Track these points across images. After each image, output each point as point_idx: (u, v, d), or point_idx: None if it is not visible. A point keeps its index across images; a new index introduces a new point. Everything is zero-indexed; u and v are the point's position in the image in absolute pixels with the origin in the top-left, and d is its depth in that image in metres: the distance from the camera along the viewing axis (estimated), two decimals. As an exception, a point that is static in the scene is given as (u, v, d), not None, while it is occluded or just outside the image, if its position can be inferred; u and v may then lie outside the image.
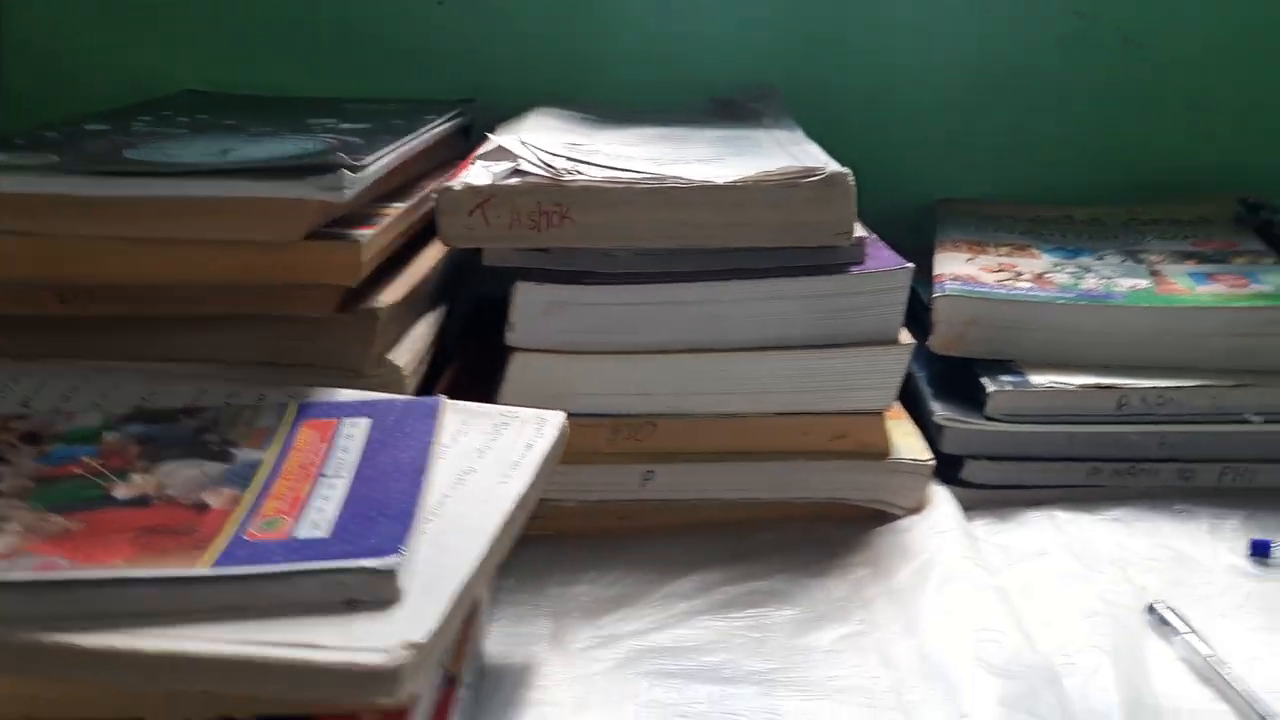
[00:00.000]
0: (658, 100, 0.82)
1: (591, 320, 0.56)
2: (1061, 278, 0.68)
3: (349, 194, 0.51)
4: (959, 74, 0.84)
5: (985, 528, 0.59)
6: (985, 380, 0.63)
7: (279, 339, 0.54)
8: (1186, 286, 0.67)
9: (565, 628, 0.51)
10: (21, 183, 0.50)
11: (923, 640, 0.48)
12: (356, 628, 0.35)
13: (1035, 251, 0.73)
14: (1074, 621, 0.50)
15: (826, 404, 0.58)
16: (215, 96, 0.78)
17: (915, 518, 0.59)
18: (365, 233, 0.53)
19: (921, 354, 0.66)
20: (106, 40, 0.81)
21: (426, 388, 0.60)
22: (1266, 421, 0.62)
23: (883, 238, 0.62)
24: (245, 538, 0.39)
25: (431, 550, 0.39)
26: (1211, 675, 0.47)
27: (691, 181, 0.55)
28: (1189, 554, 0.57)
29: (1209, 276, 0.68)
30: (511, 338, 0.57)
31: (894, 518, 0.60)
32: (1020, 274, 0.69)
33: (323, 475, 0.43)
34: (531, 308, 0.56)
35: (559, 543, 0.57)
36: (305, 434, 0.46)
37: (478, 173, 0.57)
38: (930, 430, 0.63)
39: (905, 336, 0.58)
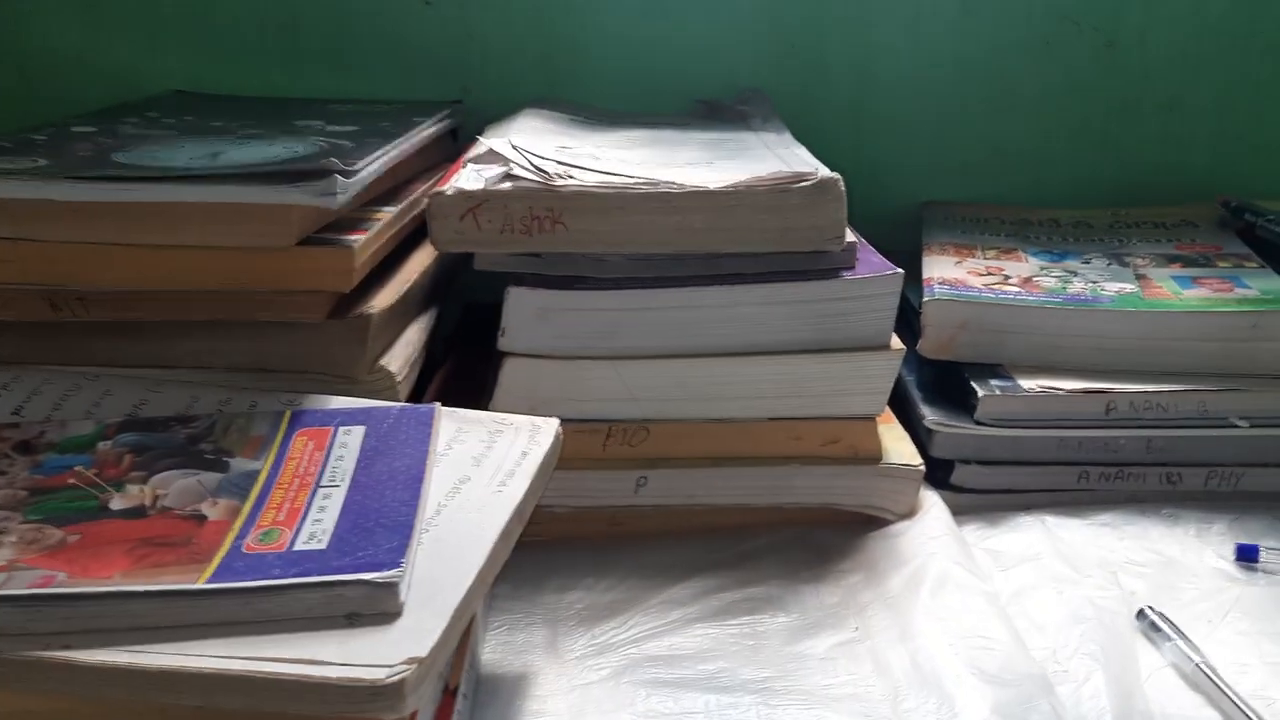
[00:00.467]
0: (644, 103, 0.82)
1: (583, 325, 0.56)
2: (1049, 281, 0.69)
3: (342, 199, 0.50)
4: (943, 77, 0.84)
5: (976, 533, 0.60)
6: (975, 384, 0.63)
7: (271, 345, 0.53)
8: (1172, 291, 0.67)
9: (561, 636, 0.51)
10: (9, 188, 0.49)
11: (916, 648, 0.48)
12: (357, 642, 0.35)
13: (1022, 255, 0.74)
14: (1065, 627, 0.50)
15: (818, 409, 0.59)
16: (200, 97, 0.78)
17: (907, 523, 0.59)
18: (357, 238, 0.53)
19: (911, 358, 0.66)
20: (89, 39, 0.81)
21: (417, 393, 0.60)
22: (1252, 426, 0.62)
23: (871, 241, 0.62)
24: (243, 550, 0.38)
25: (430, 561, 0.39)
26: (1201, 681, 0.47)
27: (684, 186, 0.55)
28: (1177, 558, 0.57)
29: (1194, 280, 0.68)
30: (504, 343, 0.56)
31: (886, 523, 0.60)
32: (1008, 277, 0.69)
33: (319, 485, 0.43)
34: (523, 313, 0.56)
35: (553, 549, 0.57)
36: (300, 442, 0.46)
37: (469, 177, 0.56)
38: (920, 435, 0.63)
39: (896, 342, 0.58)
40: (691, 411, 0.58)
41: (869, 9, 0.83)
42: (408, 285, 0.59)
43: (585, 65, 0.83)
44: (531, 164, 0.57)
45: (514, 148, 0.59)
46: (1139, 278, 0.69)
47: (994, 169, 0.87)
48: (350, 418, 0.48)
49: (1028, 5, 0.83)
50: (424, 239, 0.58)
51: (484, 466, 0.46)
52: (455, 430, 0.49)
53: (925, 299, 0.65)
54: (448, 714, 0.41)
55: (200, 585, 0.36)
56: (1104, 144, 0.86)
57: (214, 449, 0.45)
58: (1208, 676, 0.47)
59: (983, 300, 0.65)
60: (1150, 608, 0.52)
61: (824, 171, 0.56)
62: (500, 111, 0.74)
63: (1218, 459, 0.63)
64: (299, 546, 0.39)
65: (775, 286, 0.57)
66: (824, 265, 0.57)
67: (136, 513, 0.41)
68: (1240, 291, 0.66)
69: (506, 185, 0.55)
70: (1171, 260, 0.73)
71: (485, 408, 0.55)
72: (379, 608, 0.36)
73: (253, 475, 0.44)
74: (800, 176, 0.56)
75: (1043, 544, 0.58)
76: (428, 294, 0.64)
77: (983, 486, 0.63)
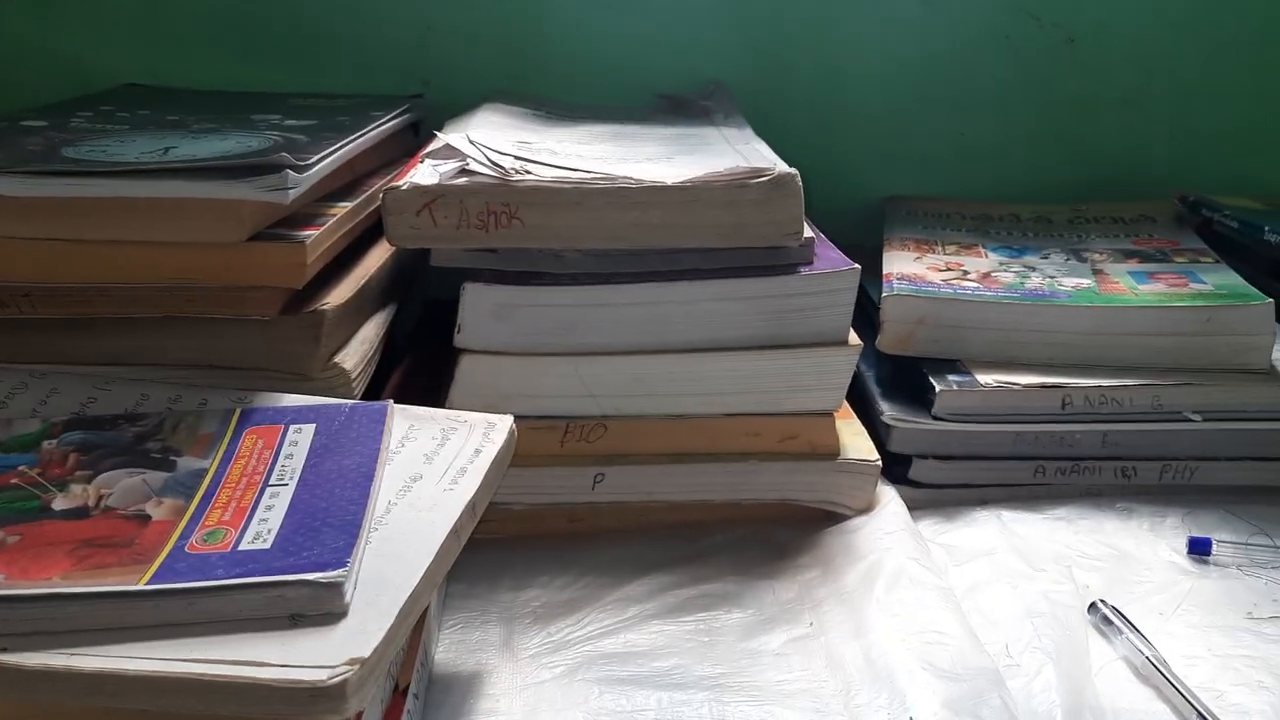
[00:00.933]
0: (607, 96, 0.82)
1: (541, 321, 0.56)
2: (1007, 277, 0.69)
3: (293, 194, 0.50)
4: (906, 72, 0.85)
5: (932, 527, 0.60)
6: (933, 380, 0.63)
7: (223, 342, 0.53)
8: (1128, 286, 0.67)
9: (516, 633, 0.50)
10: (-45, 183, 0.49)
11: (870, 643, 0.48)
12: (300, 643, 0.34)
13: (982, 250, 0.74)
14: (1018, 621, 0.51)
15: (776, 405, 0.59)
16: (157, 91, 0.77)
17: (864, 518, 0.59)
18: (310, 233, 0.52)
19: (870, 353, 0.66)
20: (43, 30, 0.79)
21: (374, 390, 0.59)
22: (1206, 420, 0.63)
23: (832, 236, 0.62)
24: (186, 550, 0.38)
25: (377, 561, 0.39)
26: (1152, 675, 0.48)
27: (641, 182, 0.55)
28: (1130, 552, 0.58)
29: (1150, 275, 0.69)
30: (460, 339, 0.56)
31: (843, 518, 0.60)
32: (967, 273, 0.69)
33: (267, 484, 0.43)
34: (480, 309, 0.56)
35: (510, 547, 0.57)
36: (249, 440, 0.46)
37: (425, 172, 0.56)
38: (879, 430, 0.64)
39: (853, 337, 0.58)
40: (649, 408, 0.58)
41: (833, 4, 0.83)
42: (363, 281, 0.58)
43: (549, 58, 0.83)
44: (488, 159, 0.57)
45: (471, 142, 0.59)
46: (1096, 273, 0.70)
47: (956, 164, 0.88)
48: (301, 415, 0.48)
49: (989, 0, 0.83)
50: (382, 234, 0.57)
51: (436, 464, 0.46)
52: (408, 428, 0.48)
53: (884, 295, 0.65)
54: (397, 714, 0.41)
55: (140, 587, 0.35)
56: (1065, 139, 0.87)
57: (161, 447, 0.45)
58: (1158, 670, 0.48)
59: (941, 296, 0.65)
60: (1102, 601, 0.52)
61: (781, 167, 0.56)
62: (463, 105, 0.73)
63: (1172, 453, 0.64)
64: (244, 546, 0.38)
65: (733, 282, 0.57)
66: (782, 261, 0.57)
67: (79, 513, 0.40)
68: (1195, 286, 0.67)
69: (462, 180, 0.55)
70: (1129, 255, 0.73)
71: (443, 404, 0.55)
72: (323, 608, 0.36)
73: (200, 474, 0.43)
74: (758, 172, 0.56)
75: (998, 538, 0.58)
76: (385, 290, 0.64)
77: (940, 481, 0.63)
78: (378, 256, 0.62)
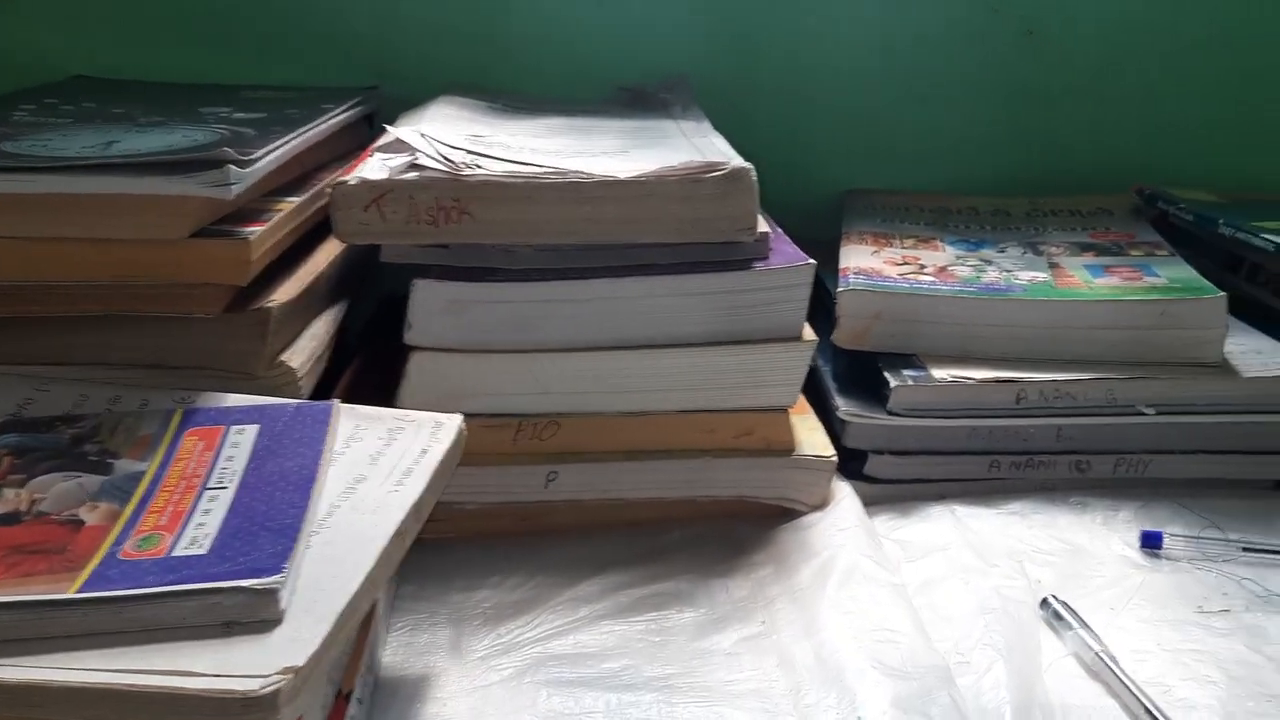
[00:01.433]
0: (568, 89, 0.81)
1: (493, 318, 0.56)
2: (964, 270, 0.69)
3: (236, 190, 0.49)
4: (870, 65, 0.84)
5: (887, 523, 0.60)
6: (888, 375, 0.63)
7: (167, 340, 0.52)
8: (1084, 279, 0.68)
9: (465, 635, 0.50)
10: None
11: (821, 641, 0.48)
12: (233, 652, 0.34)
13: (939, 244, 0.74)
14: (970, 618, 0.51)
15: (731, 401, 0.58)
16: (104, 83, 0.75)
17: (819, 514, 0.59)
18: (255, 229, 0.51)
19: (828, 348, 0.66)
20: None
21: (325, 389, 0.59)
22: (1159, 413, 0.63)
23: (795, 229, 0.62)
24: (119, 557, 0.37)
25: (317, 565, 0.38)
26: (1101, 670, 0.48)
27: (593, 176, 0.55)
28: (1083, 546, 0.58)
29: (1105, 269, 0.69)
30: (410, 336, 0.55)
31: (799, 514, 0.60)
32: (924, 267, 0.69)
33: (206, 487, 0.42)
34: (430, 306, 0.55)
35: (462, 547, 0.56)
36: (190, 442, 0.45)
37: (374, 166, 0.55)
38: (835, 425, 0.63)
39: (808, 332, 0.58)
40: (603, 404, 0.58)
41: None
42: (312, 278, 0.57)
43: (510, 49, 0.82)
44: (439, 153, 0.56)
45: (422, 136, 0.58)
46: (1052, 266, 0.70)
47: (918, 157, 0.88)
48: (244, 416, 0.47)
49: (955, -5, 0.83)
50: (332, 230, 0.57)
51: (381, 465, 0.45)
52: (354, 428, 0.48)
53: (839, 289, 0.65)
54: (340, 719, 0.41)
55: (69, 595, 0.35)
56: (1025, 132, 0.87)
57: (99, 450, 0.44)
58: (1106, 665, 0.48)
59: (896, 291, 0.65)
60: (1054, 597, 0.52)
61: (736, 161, 0.56)
62: (420, 98, 0.73)
63: (1126, 447, 0.64)
64: (179, 552, 0.38)
65: (687, 278, 0.56)
66: (737, 256, 0.57)
67: (10, 519, 0.39)
68: (1149, 280, 0.67)
69: (412, 175, 0.54)
70: (1085, 249, 0.73)
71: (394, 403, 0.54)
72: (258, 615, 0.35)
73: (137, 477, 0.42)
74: (712, 166, 0.55)
75: (952, 534, 0.58)
76: (336, 287, 0.63)
77: (895, 477, 0.63)
78: (328, 253, 0.61)
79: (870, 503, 0.61)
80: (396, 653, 0.49)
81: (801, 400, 0.63)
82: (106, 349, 0.52)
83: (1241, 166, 0.87)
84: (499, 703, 0.45)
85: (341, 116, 0.68)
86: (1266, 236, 0.69)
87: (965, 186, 0.85)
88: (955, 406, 0.63)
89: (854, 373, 0.66)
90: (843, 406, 0.63)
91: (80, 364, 0.52)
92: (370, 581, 0.38)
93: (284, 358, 0.53)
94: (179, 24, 0.80)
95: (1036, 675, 0.47)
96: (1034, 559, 0.56)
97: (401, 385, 0.56)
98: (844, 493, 0.60)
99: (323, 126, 0.64)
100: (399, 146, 0.57)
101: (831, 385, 0.66)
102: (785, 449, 0.59)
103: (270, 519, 0.40)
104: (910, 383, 0.62)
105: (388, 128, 0.61)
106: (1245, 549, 0.58)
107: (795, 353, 0.58)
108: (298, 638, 0.34)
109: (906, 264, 0.70)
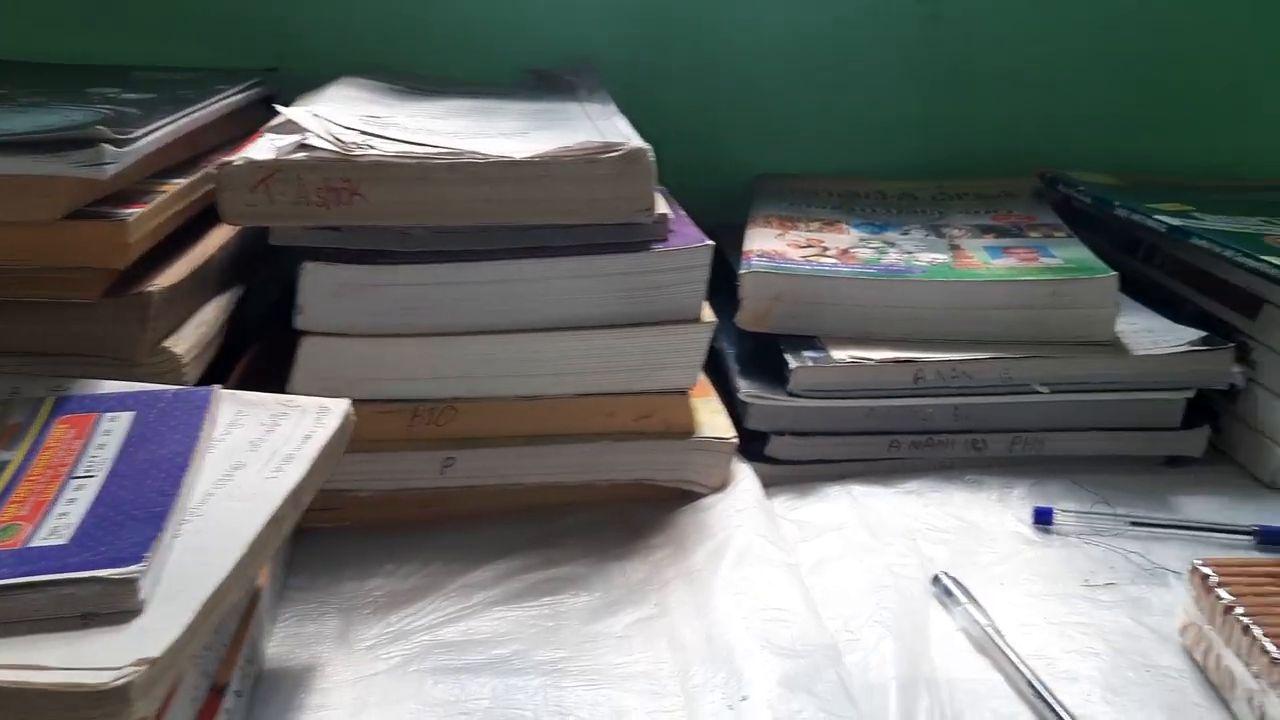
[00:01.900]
0: (478, 72, 0.80)
1: (385, 301, 0.55)
2: (865, 253, 0.69)
3: (111, 170, 0.48)
4: (781, 49, 0.84)
5: (786, 504, 0.60)
6: (788, 356, 0.63)
7: (43, 326, 0.51)
8: (982, 260, 0.68)
9: (354, 625, 0.49)
10: None
11: (712, 622, 0.48)
12: (88, 644, 0.33)
13: (844, 226, 0.74)
14: (862, 596, 0.51)
15: (630, 384, 0.58)
16: (-11, 62, 0.73)
17: (718, 496, 0.59)
18: (134, 211, 0.50)
19: (731, 331, 0.66)
20: None
21: (218, 377, 0.57)
22: (1053, 391, 0.64)
23: (705, 213, 0.62)
24: (-26, 549, 0.36)
25: (184, 554, 0.37)
26: (987, 645, 0.49)
27: (488, 156, 0.54)
28: (977, 523, 0.59)
29: (1004, 250, 0.70)
30: (300, 321, 0.54)
31: (699, 496, 0.60)
32: (826, 249, 0.69)
33: (72, 476, 0.41)
34: (321, 289, 0.54)
35: (357, 536, 0.56)
36: (59, 431, 0.44)
37: (262, 147, 0.54)
38: (737, 407, 0.63)
39: (707, 314, 0.58)
40: (500, 389, 0.57)
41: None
42: (200, 262, 0.56)
43: (418, 33, 0.81)
44: (330, 133, 0.55)
45: (315, 116, 0.57)
46: (953, 248, 0.71)
47: (830, 141, 0.88)
48: (119, 403, 0.46)
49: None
50: (223, 214, 0.55)
51: (261, 451, 0.44)
52: (235, 414, 0.46)
53: (741, 271, 0.65)
54: (212, 713, 0.40)
55: (-85, 589, 0.33)
56: (933, 116, 0.88)
57: (-38, 440, 0.43)
58: (992, 639, 0.48)
59: (797, 273, 0.65)
60: (944, 573, 0.53)
61: (635, 142, 0.56)
62: (326, 81, 0.71)
63: (1021, 425, 0.65)
64: (37, 543, 0.36)
65: (585, 259, 0.56)
66: (635, 238, 0.57)
67: None
68: (1045, 260, 0.68)
69: (300, 155, 0.53)
70: (986, 231, 0.74)
71: (287, 390, 0.53)
72: (117, 606, 0.34)
73: (1, 467, 0.41)
74: (610, 147, 0.55)
75: (849, 513, 0.59)
76: (229, 271, 0.61)
77: (796, 458, 0.63)
78: (219, 237, 0.59)
79: (771, 484, 0.61)
80: (282, 644, 0.48)
81: (704, 383, 0.63)
82: (-20, 336, 0.50)
83: (1140, 150, 0.88)
84: (384, 692, 0.44)
85: (236, 98, 0.67)
86: (1159, 218, 0.71)
87: (875, 170, 0.86)
88: (854, 387, 0.63)
89: (757, 355, 0.66)
90: (744, 388, 0.63)
91: (-50, 352, 0.50)
92: (239, 570, 0.37)
93: (168, 344, 0.52)
94: (78, 5, 0.77)
95: (924, 650, 0.48)
96: (928, 537, 0.57)
97: (292, 372, 0.55)
98: (744, 474, 0.60)
99: (214, 107, 0.63)
100: (290, 127, 0.56)
101: (734, 367, 0.66)
102: (685, 431, 0.59)
103: (138, 507, 0.38)
104: (810, 364, 0.62)
105: (279, 108, 0.60)
106: (1133, 523, 0.59)
107: (694, 335, 0.58)
108: (156, 628, 0.33)
109: (810, 246, 0.70)
